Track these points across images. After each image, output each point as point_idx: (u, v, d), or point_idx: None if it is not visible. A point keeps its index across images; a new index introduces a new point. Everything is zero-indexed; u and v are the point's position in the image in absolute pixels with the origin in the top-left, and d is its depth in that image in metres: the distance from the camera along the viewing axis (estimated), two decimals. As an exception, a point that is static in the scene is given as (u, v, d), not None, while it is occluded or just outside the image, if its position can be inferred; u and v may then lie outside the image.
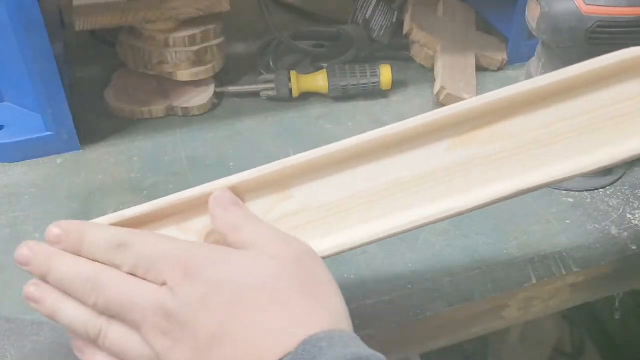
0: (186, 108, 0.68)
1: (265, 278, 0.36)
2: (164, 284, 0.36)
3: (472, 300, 0.50)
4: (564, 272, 0.52)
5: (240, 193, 0.41)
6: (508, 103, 0.41)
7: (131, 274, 0.38)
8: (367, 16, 0.77)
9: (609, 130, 0.41)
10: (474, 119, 0.41)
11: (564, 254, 0.54)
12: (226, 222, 0.39)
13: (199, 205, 0.41)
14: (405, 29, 0.76)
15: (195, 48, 0.66)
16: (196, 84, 0.69)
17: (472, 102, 0.41)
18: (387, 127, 0.41)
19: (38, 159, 0.62)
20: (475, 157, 0.42)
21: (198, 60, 0.67)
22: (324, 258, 0.40)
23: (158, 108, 0.68)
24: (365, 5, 0.77)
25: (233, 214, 0.40)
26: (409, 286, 0.51)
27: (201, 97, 0.69)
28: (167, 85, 0.69)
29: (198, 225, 0.42)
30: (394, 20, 0.77)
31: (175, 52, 0.66)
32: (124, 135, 0.66)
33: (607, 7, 0.52)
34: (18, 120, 0.63)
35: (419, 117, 0.41)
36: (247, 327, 0.34)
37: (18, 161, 0.62)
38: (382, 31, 0.77)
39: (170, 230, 0.42)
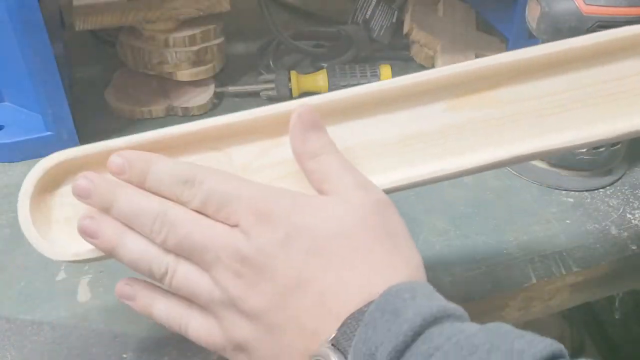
0: (186, 108, 0.68)
1: (345, 226, 0.35)
2: (235, 225, 0.35)
3: (472, 300, 0.50)
4: (564, 272, 0.52)
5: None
6: (509, 69, 0.40)
7: (197, 212, 0.36)
8: (367, 16, 0.77)
9: (609, 105, 0.41)
10: (474, 81, 0.41)
11: (564, 254, 0.54)
12: (305, 148, 0.37)
13: (187, 144, 0.39)
14: (405, 29, 0.76)
15: (195, 48, 0.66)
16: (196, 84, 0.69)
17: (472, 64, 0.40)
18: (383, 81, 0.40)
19: (38, 159, 0.62)
20: (472, 121, 0.41)
21: (198, 60, 0.67)
22: None
23: (158, 108, 0.68)
24: (365, 5, 0.77)
25: (314, 139, 0.38)
26: (409, 286, 0.51)
27: (201, 97, 0.69)
28: (167, 85, 0.69)
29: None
30: (394, 20, 0.77)
31: (175, 52, 0.66)
32: (124, 135, 0.65)
33: (607, 7, 0.52)
34: (18, 120, 0.63)
35: (417, 74, 0.40)
36: (327, 276, 0.33)
37: (18, 161, 0.62)
38: (382, 31, 0.77)
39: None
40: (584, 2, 0.52)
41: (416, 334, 0.30)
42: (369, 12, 0.77)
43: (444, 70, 0.40)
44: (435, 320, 0.31)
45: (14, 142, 0.61)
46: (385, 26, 0.77)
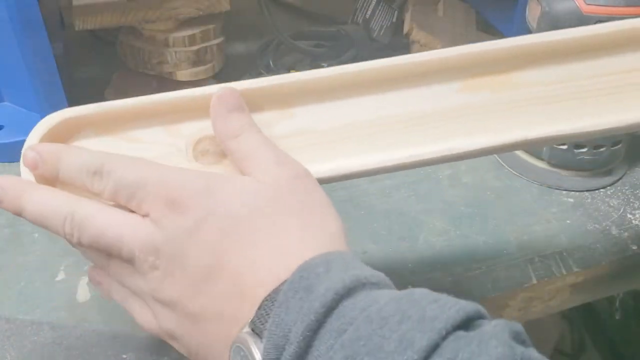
0: (186, 108, 0.68)
1: (259, 205, 0.34)
2: (146, 215, 0.34)
3: (472, 300, 0.50)
4: (564, 272, 0.52)
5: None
6: (526, 52, 0.40)
7: (114, 203, 0.35)
8: (367, 16, 0.77)
9: (624, 95, 0.40)
10: (490, 63, 0.40)
11: (564, 254, 0.54)
12: (226, 128, 0.37)
13: (194, 109, 0.39)
14: (405, 29, 0.76)
15: (195, 48, 0.66)
16: (196, 84, 0.69)
17: (489, 45, 0.40)
18: (397, 57, 0.40)
19: (38, 159, 0.62)
20: (485, 103, 0.40)
21: (198, 60, 0.67)
22: (319, 181, 0.38)
23: (158, 108, 0.68)
24: (365, 5, 0.77)
25: (235, 120, 0.38)
26: (409, 286, 0.51)
27: (201, 97, 0.68)
28: (167, 85, 0.69)
29: (190, 129, 0.39)
30: (394, 20, 0.77)
31: (175, 52, 0.66)
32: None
33: (608, 7, 0.52)
34: (18, 120, 0.63)
35: (433, 51, 0.40)
36: (240, 259, 0.33)
37: (18, 161, 0.61)
38: (382, 31, 0.77)
39: (157, 131, 0.39)
40: (584, 1, 0.52)
41: (329, 309, 0.29)
42: (369, 12, 0.77)
43: (460, 50, 0.40)
44: (349, 292, 0.30)
45: (14, 142, 0.61)
46: (385, 26, 0.77)
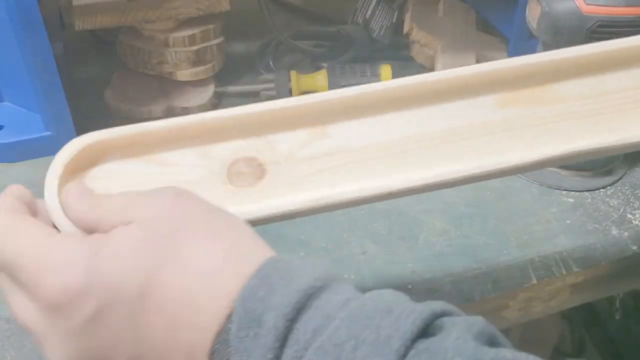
0: (186, 108, 0.68)
1: (156, 256, 0.30)
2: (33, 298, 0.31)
3: (472, 300, 0.50)
4: (564, 272, 0.52)
5: (268, 122, 0.38)
6: (562, 66, 0.40)
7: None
8: (367, 16, 0.77)
9: None
10: (524, 78, 0.40)
11: (564, 254, 0.54)
12: (89, 220, 0.34)
13: (225, 130, 0.38)
14: (406, 29, 0.76)
15: (195, 48, 0.66)
16: (196, 83, 0.69)
17: (522, 60, 0.40)
18: (431, 73, 0.39)
19: (37, 159, 0.62)
20: (521, 117, 0.40)
21: (198, 60, 0.67)
22: (350, 202, 0.37)
23: (158, 108, 0.67)
24: (365, 5, 0.77)
25: (88, 209, 0.34)
26: (409, 286, 0.51)
27: (201, 97, 0.68)
28: (167, 85, 0.69)
29: (222, 151, 0.38)
30: (394, 20, 0.77)
31: (175, 52, 0.66)
32: (123, 135, 0.66)
33: (608, 7, 0.52)
34: (17, 120, 0.63)
35: (466, 67, 0.39)
36: (167, 323, 0.30)
37: (17, 161, 0.62)
38: (382, 31, 0.77)
39: (188, 154, 0.38)
40: (584, 1, 0.52)
41: (283, 340, 0.28)
42: (369, 12, 0.77)
43: (494, 65, 0.39)
44: (298, 313, 0.28)
45: (14, 142, 0.61)
46: (385, 26, 0.77)
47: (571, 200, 0.59)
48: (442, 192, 0.59)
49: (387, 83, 0.39)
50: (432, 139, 0.39)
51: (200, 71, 0.68)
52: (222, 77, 0.71)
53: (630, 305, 0.99)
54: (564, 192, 0.59)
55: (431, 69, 0.74)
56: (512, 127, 0.40)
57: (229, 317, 0.29)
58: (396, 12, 0.77)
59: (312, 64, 0.76)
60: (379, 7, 0.77)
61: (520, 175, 0.61)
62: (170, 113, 0.68)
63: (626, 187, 0.60)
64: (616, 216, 0.57)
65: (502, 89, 0.40)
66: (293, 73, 0.70)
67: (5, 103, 0.65)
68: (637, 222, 0.57)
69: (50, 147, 0.62)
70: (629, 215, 0.57)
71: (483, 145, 0.39)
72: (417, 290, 0.51)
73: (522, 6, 0.62)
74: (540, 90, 0.40)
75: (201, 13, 0.65)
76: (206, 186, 0.36)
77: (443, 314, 0.28)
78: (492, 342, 0.28)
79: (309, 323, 0.28)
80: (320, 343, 0.27)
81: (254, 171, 0.39)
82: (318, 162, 0.38)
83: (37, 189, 0.59)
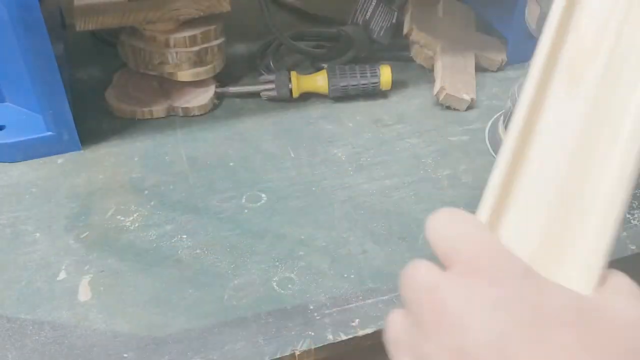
0: (187, 108, 0.68)
1: None
2: None
3: (471, 300, 0.50)
4: (563, 272, 0.52)
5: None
6: None
7: None
8: (367, 17, 0.77)
9: None
10: None
11: (564, 254, 0.54)
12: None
13: None
14: (405, 30, 0.76)
15: (195, 48, 0.66)
16: (197, 84, 0.69)
17: None
18: None
19: (39, 159, 0.62)
20: None
21: (199, 60, 0.67)
22: None
23: (159, 108, 0.68)
24: (365, 5, 0.77)
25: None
26: (409, 286, 0.51)
27: (202, 98, 0.69)
28: (168, 86, 0.69)
29: None
30: (394, 20, 0.77)
31: (176, 53, 0.66)
32: (124, 135, 0.66)
33: (607, 8, 0.52)
34: (19, 121, 0.63)
35: None
36: None
37: (19, 161, 0.62)
38: (382, 32, 0.77)
39: None
40: (583, 2, 0.52)
41: None
42: (369, 13, 0.77)
43: None
44: None
45: (15, 142, 0.61)
46: (385, 27, 0.77)
47: (571, 200, 0.59)
48: (441, 192, 0.59)
49: None
50: None
51: (201, 72, 0.68)
52: (223, 77, 0.71)
53: (630, 305, 0.99)
54: (564, 192, 0.60)
55: (431, 69, 0.74)
56: None
57: None
58: (396, 13, 0.77)
59: (312, 65, 0.76)
60: (379, 8, 0.77)
61: (520, 176, 0.61)
62: (171, 113, 0.69)
63: (625, 188, 0.60)
64: (615, 216, 0.57)
65: None
66: (293, 73, 0.70)
67: (7, 103, 0.65)
68: (636, 222, 0.57)
69: (51, 147, 0.63)
70: (628, 216, 0.57)
71: None
72: (417, 290, 0.51)
73: (522, 7, 0.63)
74: None
75: (202, 14, 0.65)
76: None
77: None
78: None
79: None
80: None
81: None
82: None
83: (38, 189, 0.59)
